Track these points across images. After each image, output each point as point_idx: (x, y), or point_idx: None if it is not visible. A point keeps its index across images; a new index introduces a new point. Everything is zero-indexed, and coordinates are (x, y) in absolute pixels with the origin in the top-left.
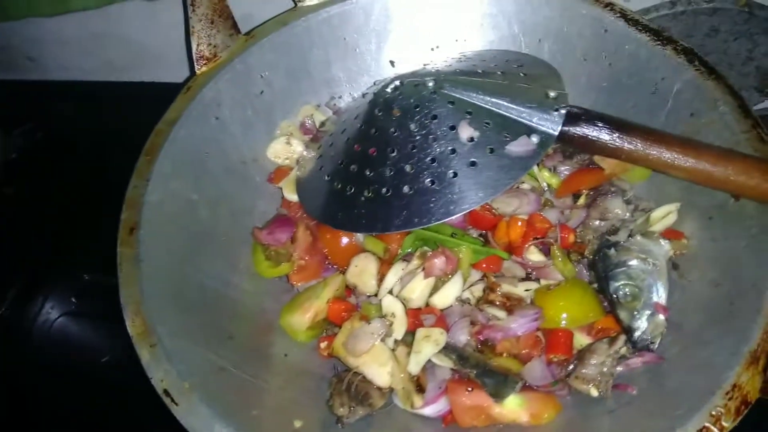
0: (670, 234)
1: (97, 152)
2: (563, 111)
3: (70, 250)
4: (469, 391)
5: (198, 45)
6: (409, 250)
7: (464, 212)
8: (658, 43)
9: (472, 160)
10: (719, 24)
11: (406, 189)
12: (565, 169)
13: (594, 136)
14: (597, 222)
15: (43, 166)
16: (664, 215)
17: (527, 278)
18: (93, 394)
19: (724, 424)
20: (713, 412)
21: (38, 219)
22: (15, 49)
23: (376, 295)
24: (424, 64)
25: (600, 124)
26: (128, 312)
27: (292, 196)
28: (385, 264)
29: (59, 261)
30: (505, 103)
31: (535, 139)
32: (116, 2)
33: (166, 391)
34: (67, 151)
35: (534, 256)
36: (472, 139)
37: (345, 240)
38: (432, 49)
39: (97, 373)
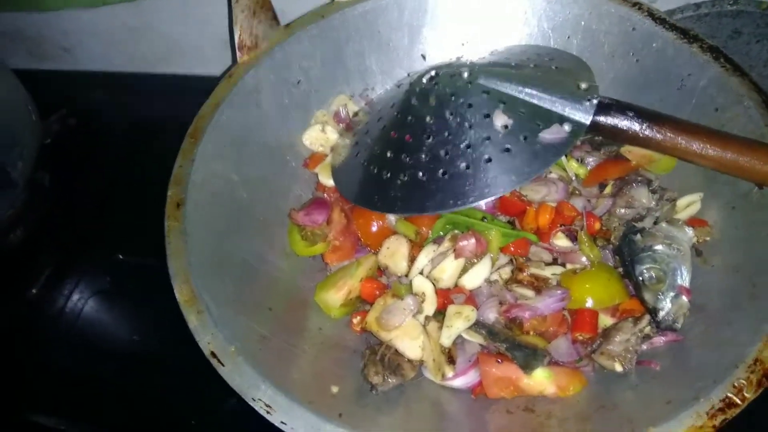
0: (694, 222)
1: (128, 138)
2: (595, 101)
3: (103, 231)
4: (498, 362)
5: (240, 34)
6: (440, 233)
7: (499, 195)
8: (685, 41)
9: (506, 146)
10: (742, 26)
11: (441, 173)
12: (592, 160)
13: (625, 126)
14: (623, 210)
15: (77, 151)
16: (688, 204)
17: (553, 263)
18: (124, 371)
19: (746, 394)
20: (735, 384)
21: (72, 202)
22: (50, 39)
23: (406, 275)
24: (458, 57)
25: (631, 114)
26: (176, 280)
27: (328, 181)
28: (416, 247)
29: (93, 242)
30: (538, 93)
31: (567, 127)
32: None
33: (213, 353)
34: (100, 137)
35: (561, 241)
36: (506, 127)
37: (377, 224)
38: (462, 44)
39: (129, 351)
